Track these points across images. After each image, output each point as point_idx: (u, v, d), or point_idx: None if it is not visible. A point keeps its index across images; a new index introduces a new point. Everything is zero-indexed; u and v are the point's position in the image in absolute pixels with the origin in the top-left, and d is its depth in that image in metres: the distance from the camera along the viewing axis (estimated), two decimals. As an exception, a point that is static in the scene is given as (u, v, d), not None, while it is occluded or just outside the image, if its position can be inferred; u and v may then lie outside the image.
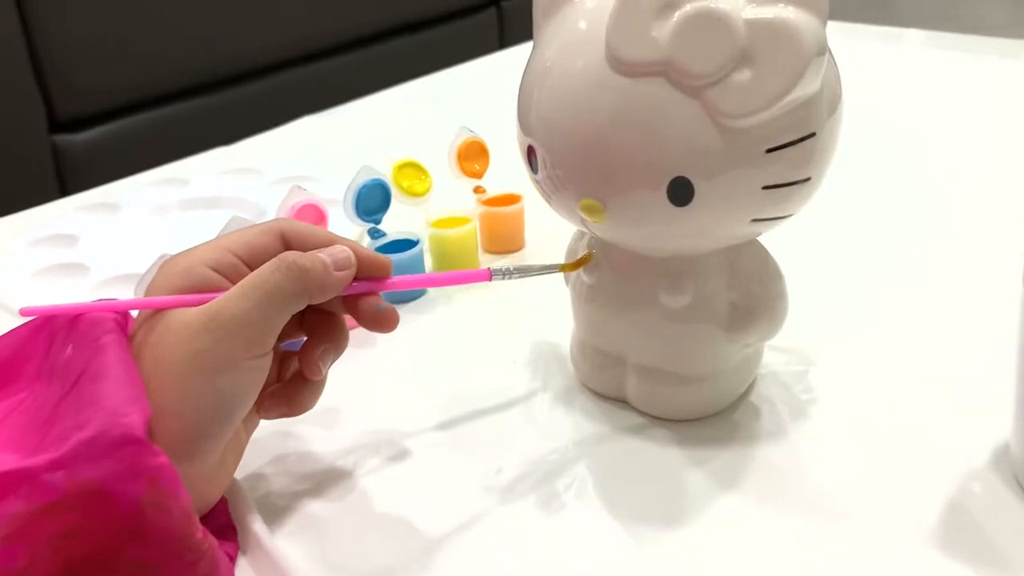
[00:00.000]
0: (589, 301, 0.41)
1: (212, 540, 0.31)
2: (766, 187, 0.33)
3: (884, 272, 0.53)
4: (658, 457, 0.38)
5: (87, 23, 1.12)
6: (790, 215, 0.35)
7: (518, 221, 0.57)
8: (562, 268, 0.40)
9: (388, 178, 0.53)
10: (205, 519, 0.34)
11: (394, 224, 0.53)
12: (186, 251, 0.34)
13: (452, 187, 0.57)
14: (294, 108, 0.88)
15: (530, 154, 0.37)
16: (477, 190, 0.57)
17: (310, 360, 0.35)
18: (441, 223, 0.54)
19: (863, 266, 0.54)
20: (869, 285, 0.51)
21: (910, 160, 0.70)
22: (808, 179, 0.34)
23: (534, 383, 0.44)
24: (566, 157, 0.35)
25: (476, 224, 0.55)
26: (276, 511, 0.36)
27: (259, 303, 0.32)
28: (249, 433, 0.37)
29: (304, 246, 0.34)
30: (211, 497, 0.34)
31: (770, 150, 0.32)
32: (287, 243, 0.35)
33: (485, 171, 0.57)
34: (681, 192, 0.33)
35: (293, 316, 0.33)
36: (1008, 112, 0.79)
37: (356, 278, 0.35)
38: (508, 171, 0.55)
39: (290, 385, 0.36)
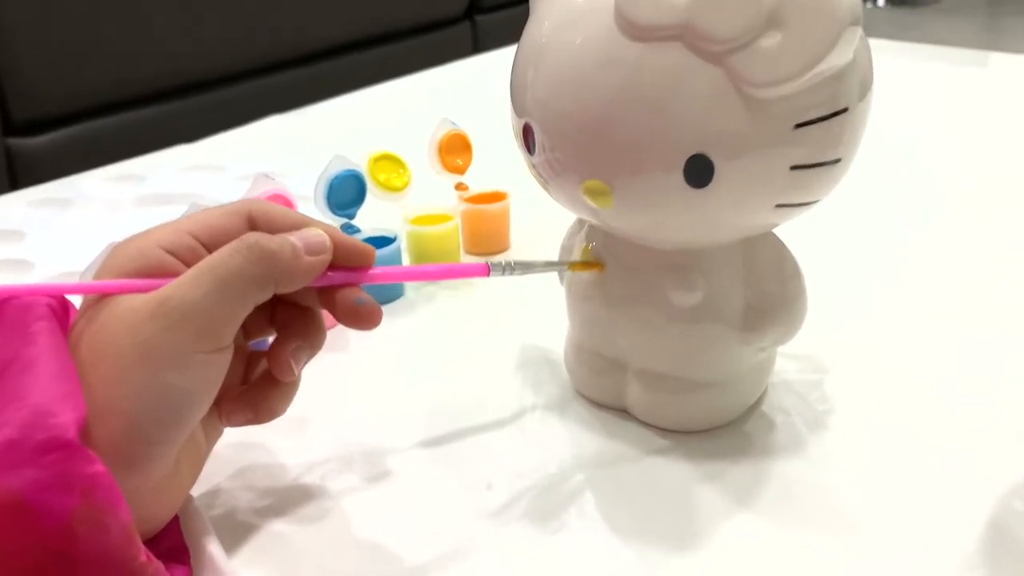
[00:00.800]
0: (588, 299, 0.37)
1: (157, 564, 0.26)
2: (794, 167, 0.30)
3: (904, 273, 0.50)
4: (664, 472, 0.35)
5: (45, 25, 1.09)
6: (816, 201, 0.32)
7: (503, 220, 0.54)
8: (571, 266, 0.37)
9: (363, 171, 0.49)
10: (152, 540, 0.29)
11: (369, 220, 0.50)
12: (140, 233, 0.30)
13: (432, 183, 0.54)
14: (261, 116, 0.84)
15: (526, 134, 0.33)
16: (459, 187, 0.54)
17: (280, 359, 0.32)
18: (420, 220, 0.51)
19: (881, 267, 0.51)
20: (887, 287, 0.49)
21: (910, 163, 0.68)
22: (838, 160, 0.31)
23: (524, 391, 0.40)
24: (568, 134, 0.32)
25: (458, 222, 0.52)
26: (235, 531, 0.32)
27: (213, 289, 0.28)
28: (211, 443, 0.33)
29: (274, 230, 0.31)
30: (161, 515, 0.30)
31: (798, 125, 0.29)
32: (255, 226, 0.31)
33: (468, 166, 0.54)
34: (700, 172, 0.30)
35: (263, 310, 0.30)
36: (993, 111, 0.78)
37: (333, 266, 0.31)
38: (492, 167, 0.52)
39: (257, 388, 0.32)
